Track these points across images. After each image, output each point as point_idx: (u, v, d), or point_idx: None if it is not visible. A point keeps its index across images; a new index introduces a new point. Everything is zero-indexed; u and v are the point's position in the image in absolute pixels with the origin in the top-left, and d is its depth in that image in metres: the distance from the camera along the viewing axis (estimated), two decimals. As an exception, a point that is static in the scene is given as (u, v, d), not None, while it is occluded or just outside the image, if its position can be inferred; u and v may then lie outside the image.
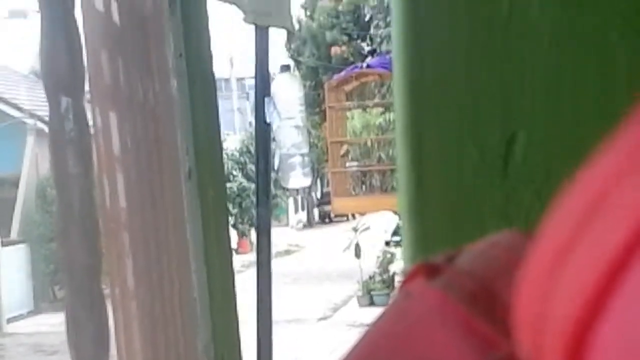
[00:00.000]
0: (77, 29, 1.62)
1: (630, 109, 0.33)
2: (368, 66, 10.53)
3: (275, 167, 4.05)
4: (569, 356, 0.28)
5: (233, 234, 20.63)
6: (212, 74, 1.94)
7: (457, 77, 1.32)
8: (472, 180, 1.32)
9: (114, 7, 1.73)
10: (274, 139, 3.68)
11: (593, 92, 1.30)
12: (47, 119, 1.72)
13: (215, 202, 1.91)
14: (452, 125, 1.33)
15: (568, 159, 1.28)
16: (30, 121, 16.46)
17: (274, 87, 3.57)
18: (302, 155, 4.06)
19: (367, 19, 16.59)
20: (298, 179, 4.09)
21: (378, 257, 14.39)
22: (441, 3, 1.33)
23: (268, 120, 3.23)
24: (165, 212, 1.85)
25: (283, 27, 3.31)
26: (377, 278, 14.14)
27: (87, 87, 1.72)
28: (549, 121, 1.30)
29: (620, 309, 0.27)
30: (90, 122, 1.71)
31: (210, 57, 1.93)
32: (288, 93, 3.90)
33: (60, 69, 1.59)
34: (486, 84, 1.31)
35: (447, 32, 1.33)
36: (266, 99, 3.17)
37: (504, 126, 1.31)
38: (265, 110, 3.14)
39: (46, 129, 1.78)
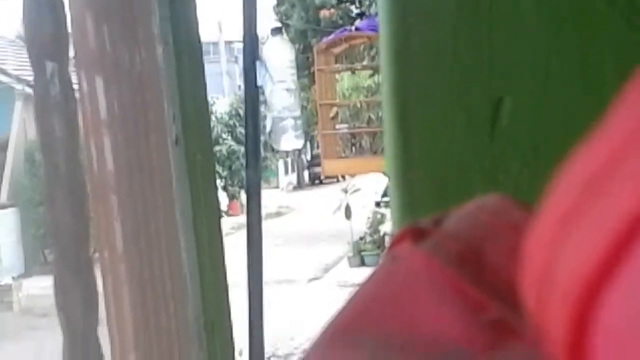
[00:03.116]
0: (60, -7, 1.61)
1: (625, 80, 0.33)
2: (357, 29, 10.49)
3: (268, 130, 4.05)
4: (575, 317, 0.28)
5: (223, 197, 20.68)
6: (199, 39, 1.93)
7: (444, 41, 1.32)
8: (459, 144, 1.32)
9: (98, -29, 1.72)
10: (265, 102, 3.68)
11: (579, 61, 1.30)
12: (34, 83, 1.72)
13: (203, 167, 1.91)
14: (439, 89, 1.32)
15: (554, 128, 1.29)
16: (18, 86, 16.39)
17: (266, 50, 3.57)
18: (294, 117, 4.07)
19: (355, -19, 16.54)
20: (290, 141, 4.10)
21: (368, 218, 14.45)
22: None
23: (259, 84, 3.22)
24: (153, 177, 1.85)
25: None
26: (368, 239, 14.20)
27: (72, 52, 1.71)
28: (535, 88, 1.31)
29: (629, 277, 0.27)
30: (76, 87, 1.70)
31: (197, 21, 1.92)
32: (280, 56, 3.90)
33: (44, 34, 1.58)
34: (472, 48, 1.31)
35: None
36: (257, 63, 3.16)
37: (490, 90, 1.30)
38: (257, 74, 3.13)
39: (33, 93, 1.77)
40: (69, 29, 1.64)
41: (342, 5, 23.04)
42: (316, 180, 29.99)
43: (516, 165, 1.30)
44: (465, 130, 1.31)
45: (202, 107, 1.95)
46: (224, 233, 2.05)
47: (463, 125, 1.31)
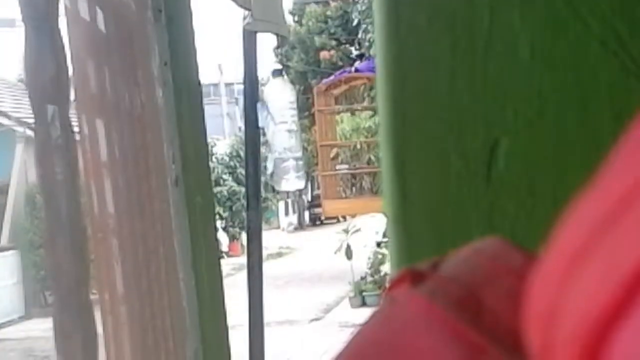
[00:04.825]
0: (61, 37, 1.61)
1: (621, 120, 0.33)
2: (356, 70, 10.53)
3: (269, 171, 4.08)
4: (585, 357, 0.28)
5: (224, 238, 20.65)
6: (198, 82, 1.94)
7: (439, 86, 1.32)
8: (455, 188, 1.32)
9: (100, 16, 1.73)
10: (266, 143, 3.70)
11: (575, 103, 1.30)
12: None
13: (203, 209, 1.91)
14: (435, 133, 1.33)
15: (550, 170, 1.29)
16: (19, 129, 16.41)
17: (267, 92, 3.60)
18: (296, 158, 4.08)
19: (355, 23, 16.58)
20: (292, 182, 4.11)
21: (369, 258, 14.39)
22: (422, 16, 1.33)
23: (261, 125, 3.23)
24: (153, 219, 1.85)
25: (280, 34, 3.32)
26: (369, 279, 14.14)
27: (73, 95, 1.71)
28: (530, 130, 1.31)
29: None
30: (77, 130, 1.70)
31: (196, 65, 1.93)
32: (281, 97, 3.91)
33: (45, 77, 1.59)
34: (468, 93, 1.31)
35: (429, 42, 1.33)
36: (258, 104, 3.18)
37: (486, 134, 1.31)
38: (258, 115, 3.15)
39: (34, 136, 1.77)
40: (70, 73, 1.65)
41: (342, 47, 23.17)
42: (317, 221, 29.94)
43: (512, 207, 1.30)
44: (462, 173, 1.32)
45: (202, 148, 1.96)
46: (224, 274, 2.05)
47: (460, 168, 1.32)
